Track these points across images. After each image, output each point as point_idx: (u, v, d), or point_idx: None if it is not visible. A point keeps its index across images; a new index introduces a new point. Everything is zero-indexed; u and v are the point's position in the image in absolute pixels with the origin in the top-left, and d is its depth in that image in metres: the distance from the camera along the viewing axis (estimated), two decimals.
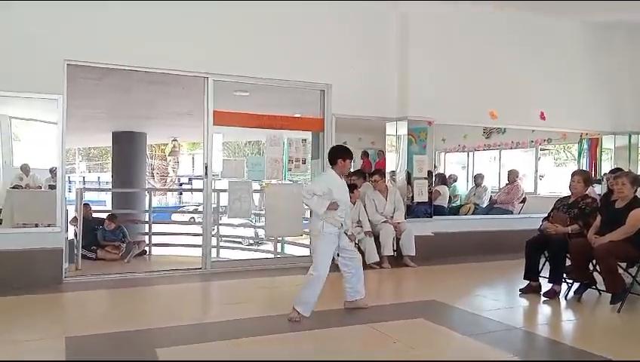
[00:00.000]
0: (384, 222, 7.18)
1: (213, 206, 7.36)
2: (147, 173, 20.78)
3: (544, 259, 5.56)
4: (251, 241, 12.15)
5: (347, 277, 4.83)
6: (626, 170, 6.78)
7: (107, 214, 9.44)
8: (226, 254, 9.68)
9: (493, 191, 10.11)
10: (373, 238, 7.08)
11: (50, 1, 5.83)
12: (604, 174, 8.31)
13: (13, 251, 5.68)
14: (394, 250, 7.16)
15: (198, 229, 8.92)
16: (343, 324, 4.43)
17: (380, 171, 7.61)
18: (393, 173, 7.86)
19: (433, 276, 6.74)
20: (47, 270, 5.82)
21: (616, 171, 6.65)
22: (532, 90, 8.46)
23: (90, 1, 5.96)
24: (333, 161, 4.70)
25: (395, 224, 7.20)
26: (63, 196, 6.06)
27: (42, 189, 6.23)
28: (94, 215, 9.43)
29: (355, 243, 7.03)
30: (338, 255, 4.70)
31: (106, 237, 8.89)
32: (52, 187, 6.09)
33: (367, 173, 8.52)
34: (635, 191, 5.20)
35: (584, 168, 9.34)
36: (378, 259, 6.97)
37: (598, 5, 7.93)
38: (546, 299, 5.31)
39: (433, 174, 8.06)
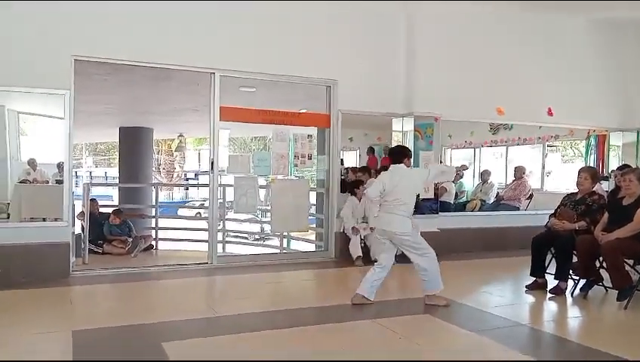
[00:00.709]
0: None
1: (220, 201, 7.38)
2: (154, 169, 20.85)
3: (550, 256, 5.55)
4: (257, 236, 12.18)
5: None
6: (634, 167, 6.75)
7: (112, 209, 9.48)
8: (232, 249, 9.70)
9: (499, 188, 10.07)
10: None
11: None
12: (612, 171, 8.27)
13: (20, 245, 5.71)
14: None
15: (204, 224, 8.94)
16: (348, 319, 4.43)
17: (386, 168, 7.57)
18: (383, 166, 7.83)
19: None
20: (54, 264, 5.85)
21: (623, 168, 6.61)
22: (539, 86, 8.40)
23: None
24: (399, 161, 4.97)
25: None
26: (70, 191, 6.09)
27: (49, 184, 6.27)
28: (101, 210, 9.48)
29: (361, 239, 7.04)
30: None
31: (113, 232, 8.93)
32: (59, 182, 6.12)
33: (373, 169, 8.52)
34: None
35: (591, 165, 9.29)
36: None
37: (606, 3, 7.88)
38: (552, 295, 5.30)
39: None
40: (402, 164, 4.97)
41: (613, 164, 9.03)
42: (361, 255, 6.92)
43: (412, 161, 5.19)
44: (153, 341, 3.85)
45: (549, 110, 8.55)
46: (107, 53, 6.12)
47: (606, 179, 8.40)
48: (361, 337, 4.12)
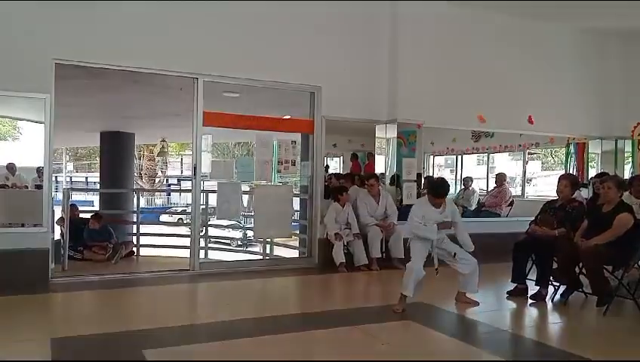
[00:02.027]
0: (373, 224, 7.18)
1: (202, 207, 7.33)
2: (135, 174, 20.67)
3: (531, 262, 5.60)
4: (240, 243, 12.12)
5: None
6: (612, 174, 6.87)
7: (92, 213, 9.35)
8: (214, 255, 9.63)
9: (481, 195, 10.17)
10: (362, 241, 7.10)
11: (39, 1, 5.79)
12: (591, 178, 8.40)
13: None
14: (382, 252, 7.17)
15: (186, 230, 8.87)
16: (330, 326, 4.42)
17: (376, 175, 7.60)
18: (382, 175, 7.88)
19: None
20: (33, 270, 5.75)
21: (602, 175, 6.72)
22: (520, 94, 8.52)
23: (80, 0, 5.93)
24: (441, 196, 5.01)
25: (390, 225, 7.20)
26: (49, 196, 5.99)
27: (29, 189, 6.17)
28: (81, 215, 9.35)
29: (344, 246, 7.04)
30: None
31: (93, 237, 8.81)
32: (39, 187, 6.03)
33: (357, 175, 8.54)
34: (621, 195, 5.26)
35: (571, 172, 9.42)
36: (367, 262, 6.98)
37: (589, 12, 8.05)
38: (533, 301, 5.35)
39: (422, 177, 8.08)
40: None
41: (593, 171, 9.18)
42: (344, 261, 6.92)
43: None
44: (134, 348, 3.79)
45: (530, 118, 8.67)
46: (89, 56, 6.05)
47: (585, 186, 8.53)
48: (344, 343, 4.11)
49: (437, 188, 5.04)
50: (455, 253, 5.15)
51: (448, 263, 5.17)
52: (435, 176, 10.70)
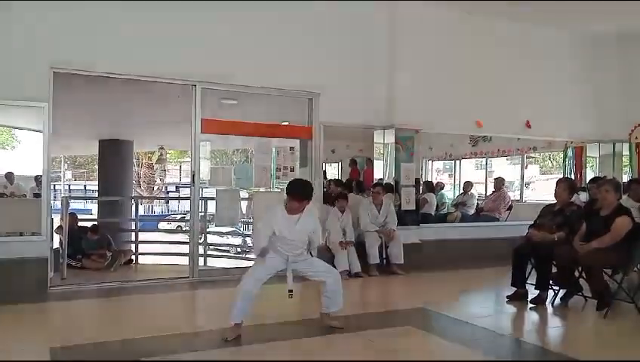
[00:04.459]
0: (374, 231, 7.16)
1: (201, 214, 7.33)
2: (134, 182, 20.64)
3: (531, 266, 5.60)
4: (239, 249, 12.08)
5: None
6: (609, 178, 6.89)
7: (90, 225, 9.33)
8: (213, 262, 9.61)
9: (479, 199, 10.18)
10: (354, 248, 7.04)
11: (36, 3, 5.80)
12: (588, 182, 8.41)
13: None
14: (383, 258, 7.15)
15: (185, 237, 8.85)
16: (330, 333, 4.41)
17: (382, 184, 7.59)
18: (381, 180, 7.87)
19: (421, 284, 6.75)
20: (32, 279, 5.74)
21: (596, 180, 6.74)
22: (518, 98, 8.55)
23: (77, 5, 5.94)
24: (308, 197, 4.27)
25: (390, 232, 7.18)
26: (48, 204, 5.99)
27: (27, 198, 6.16)
28: (80, 223, 9.33)
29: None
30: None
31: (91, 246, 8.78)
32: (37, 195, 6.02)
33: (355, 181, 8.54)
34: (619, 198, 5.27)
35: (569, 176, 9.44)
36: (359, 270, 6.92)
37: (586, 16, 8.10)
38: (533, 305, 5.34)
39: (420, 182, 8.09)
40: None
41: (590, 175, 9.19)
42: (348, 269, 6.83)
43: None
44: (133, 357, 3.78)
45: (527, 122, 8.69)
46: (86, 65, 6.06)
47: (584, 190, 8.55)
48: (345, 350, 4.10)
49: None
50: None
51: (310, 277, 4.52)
52: (435, 181, 10.71)
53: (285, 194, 4.28)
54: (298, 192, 4.21)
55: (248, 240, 11.00)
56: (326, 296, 4.45)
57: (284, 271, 4.37)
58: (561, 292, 5.43)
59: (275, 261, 4.33)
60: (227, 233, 11.02)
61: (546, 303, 5.36)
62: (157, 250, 10.18)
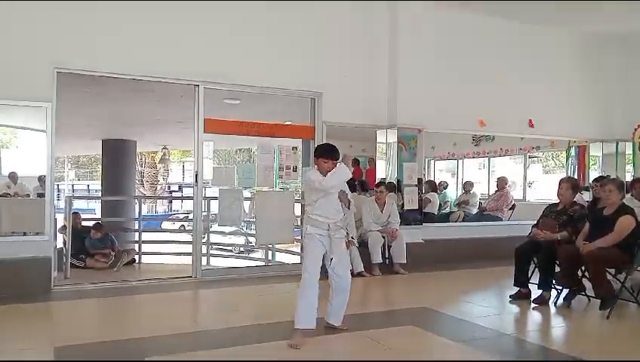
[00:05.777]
0: (377, 230, 7.16)
1: (204, 213, 7.34)
2: (137, 181, 20.69)
3: (534, 266, 5.59)
4: (242, 249, 12.10)
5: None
6: (613, 177, 6.87)
7: (93, 223, 9.36)
8: (216, 262, 9.63)
9: (482, 199, 10.16)
10: (357, 247, 7.02)
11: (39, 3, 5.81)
12: (592, 181, 8.40)
13: (0, 260, 5.61)
14: (386, 258, 7.15)
15: (188, 237, 8.87)
16: (333, 332, 4.41)
17: (385, 183, 7.59)
18: (383, 180, 7.87)
19: (423, 283, 6.75)
20: (35, 279, 5.76)
21: (600, 179, 6.72)
22: (521, 97, 8.54)
23: (80, 6, 5.96)
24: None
25: (393, 231, 7.18)
26: (51, 204, 6.01)
27: (31, 198, 6.18)
28: (83, 223, 9.36)
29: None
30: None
31: (95, 246, 8.81)
32: (41, 195, 6.04)
33: (358, 180, 8.53)
34: (623, 197, 5.26)
35: (572, 175, 9.42)
36: (362, 269, 6.92)
37: (589, 15, 8.08)
38: (535, 305, 5.34)
39: (423, 181, 8.09)
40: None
41: (594, 174, 9.17)
42: (351, 268, 6.81)
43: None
44: (137, 356, 3.80)
45: (530, 121, 8.68)
46: (89, 65, 6.08)
47: (587, 189, 8.53)
48: (347, 349, 4.11)
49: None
50: (332, 259, 4.30)
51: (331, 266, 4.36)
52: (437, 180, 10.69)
53: (317, 159, 4.27)
54: (334, 152, 4.30)
55: (251, 239, 11.02)
56: (330, 304, 4.42)
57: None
58: (564, 292, 5.43)
59: (318, 245, 4.24)
60: (230, 233, 11.03)
61: (549, 303, 5.36)
62: (160, 250, 10.20)
